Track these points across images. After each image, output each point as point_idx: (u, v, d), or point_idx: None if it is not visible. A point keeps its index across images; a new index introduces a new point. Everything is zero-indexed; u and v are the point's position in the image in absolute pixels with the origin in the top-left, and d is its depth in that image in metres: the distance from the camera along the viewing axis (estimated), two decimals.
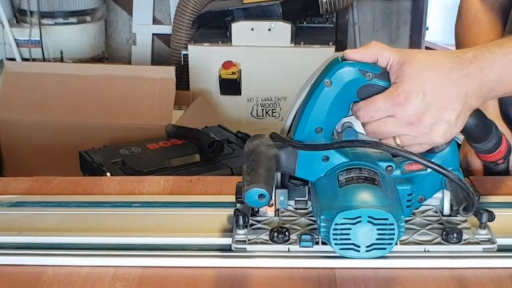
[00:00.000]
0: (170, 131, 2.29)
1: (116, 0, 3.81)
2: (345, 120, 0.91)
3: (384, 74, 0.85)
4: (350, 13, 3.61)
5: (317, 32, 3.17)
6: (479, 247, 0.88)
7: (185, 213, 1.01)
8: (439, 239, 0.89)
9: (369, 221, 0.82)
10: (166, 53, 3.69)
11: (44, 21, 3.34)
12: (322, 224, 0.83)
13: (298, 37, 3.00)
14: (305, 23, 3.21)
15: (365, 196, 0.84)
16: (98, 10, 3.54)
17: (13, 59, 3.32)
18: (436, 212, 0.97)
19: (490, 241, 0.89)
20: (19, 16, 3.45)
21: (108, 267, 0.87)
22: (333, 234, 0.83)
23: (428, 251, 0.88)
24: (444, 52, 0.85)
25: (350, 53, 0.85)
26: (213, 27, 3.10)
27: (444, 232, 0.89)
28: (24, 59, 3.34)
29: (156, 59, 3.80)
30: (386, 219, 0.82)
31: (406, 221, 0.92)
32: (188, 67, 3.05)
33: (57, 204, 1.05)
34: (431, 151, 0.90)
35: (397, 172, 0.91)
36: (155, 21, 3.81)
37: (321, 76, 0.85)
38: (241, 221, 0.90)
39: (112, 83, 2.67)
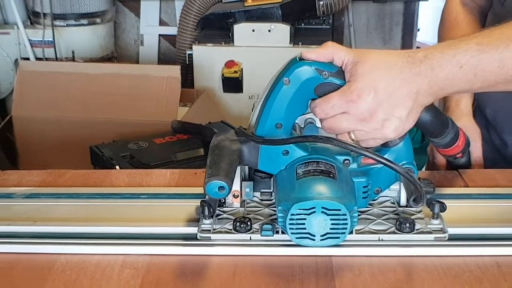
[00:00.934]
0: (176, 126, 2.29)
1: (125, 3, 3.80)
2: (307, 116, 0.91)
3: (340, 72, 0.85)
4: (345, 15, 3.60)
5: (314, 33, 3.16)
6: (431, 236, 0.89)
7: (189, 204, 1.01)
8: (393, 229, 0.90)
9: (323, 212, 0.83)
10: (172, 53, 3.68)
11: (57, 22, 3.33)
12: (280, 215, 0.84)
13: (297, 37, 3.00)
14: (303, 24, 3.20)
15: (319, 188, 0.84)
16: (107, 13, 3.53)
17: (28, 59, 3.32)
18: (393, 203, 0.97)
19: (442, 230, 0.89)
20: (33, 18, 3.43)
21: (117, 255, 0.87)
22: (289, 224, 0.83)
23: (382, 240, 0.89)
24: (397, 52, 0.86)
25: (307, 53, 0.86)
26: (216, 28, 3.09)
27: (398, 222, 0.90)
28: (37, 59, 3.33)
29: (163, 59, 3.80)
30: (339, 210, 0.82)
31: (363, 212, 0.94)
32: (193, 66, 3.05)
33: (69, 195, 1.05)
34: (385, 146, 0.91)
35: (353, 165, 0.92)
36: (162, 23, 3.80)
37: (280, 75, 0.86)
38: (206, 212, 0.90)
39: (121, 81, 2.68)
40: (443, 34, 1.38)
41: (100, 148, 2.23)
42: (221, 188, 0.81)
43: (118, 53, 3.76)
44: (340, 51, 0.85)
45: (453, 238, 0.89)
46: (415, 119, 0.85)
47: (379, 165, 0.90)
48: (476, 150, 1.23)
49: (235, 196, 0.93)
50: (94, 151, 2.26)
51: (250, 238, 0.89)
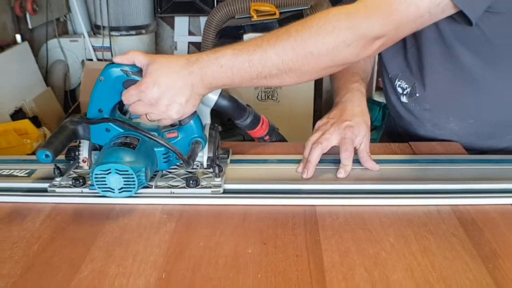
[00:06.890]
0: None
1: (163, 19, 3.77)
2: None
3: (140, 71, 0.87)
4: None
5: None
6: (209, 190, 0.89)
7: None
8: (183, 184, 0.91)
9: (116, 172, 0.84)
10: None
11: (112, 33, 3.36)
12: (91, 174, 0.86)
13: None
14: None
15: (116, 155, 0.85)
16: (150, 26, 3.52)
17: (91, 60, 3.32)
18: (197, 165, 0.97)
19: (220, 186, 0.90)
20: (95, 29, 3.47)
21: (157, 205, 0.86)
22: (95, 180, 0.86)
23: (173, 192, 0.89)
24: (179, 56, 0.88)
25: (115, 58, 0.87)
26: (231, 37, 3.06)
27: (186, 180, 0.91)
28: (98, 60, 3.34)
29: None
30: (127, 171, 0.84)
31: (171, 172, 0.95)
32: None
33: None
34: (180, 124, 0.91)
35: None
36: (190, 33, 3.78)
37: (99, 75, 0.89)
38: (56, 172, 0.93)
39: None
40: None
41: None
42: (46, 155, 0.83)
43: None
44: (138, 56, 0.86)
45: (228, 192, 0.90)
46: (195, 104, 0.87)
47: (178, 138, 0.92)
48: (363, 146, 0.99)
49: (83, 161, 0.95)
50: None
51: (82, 191, 0.91)
